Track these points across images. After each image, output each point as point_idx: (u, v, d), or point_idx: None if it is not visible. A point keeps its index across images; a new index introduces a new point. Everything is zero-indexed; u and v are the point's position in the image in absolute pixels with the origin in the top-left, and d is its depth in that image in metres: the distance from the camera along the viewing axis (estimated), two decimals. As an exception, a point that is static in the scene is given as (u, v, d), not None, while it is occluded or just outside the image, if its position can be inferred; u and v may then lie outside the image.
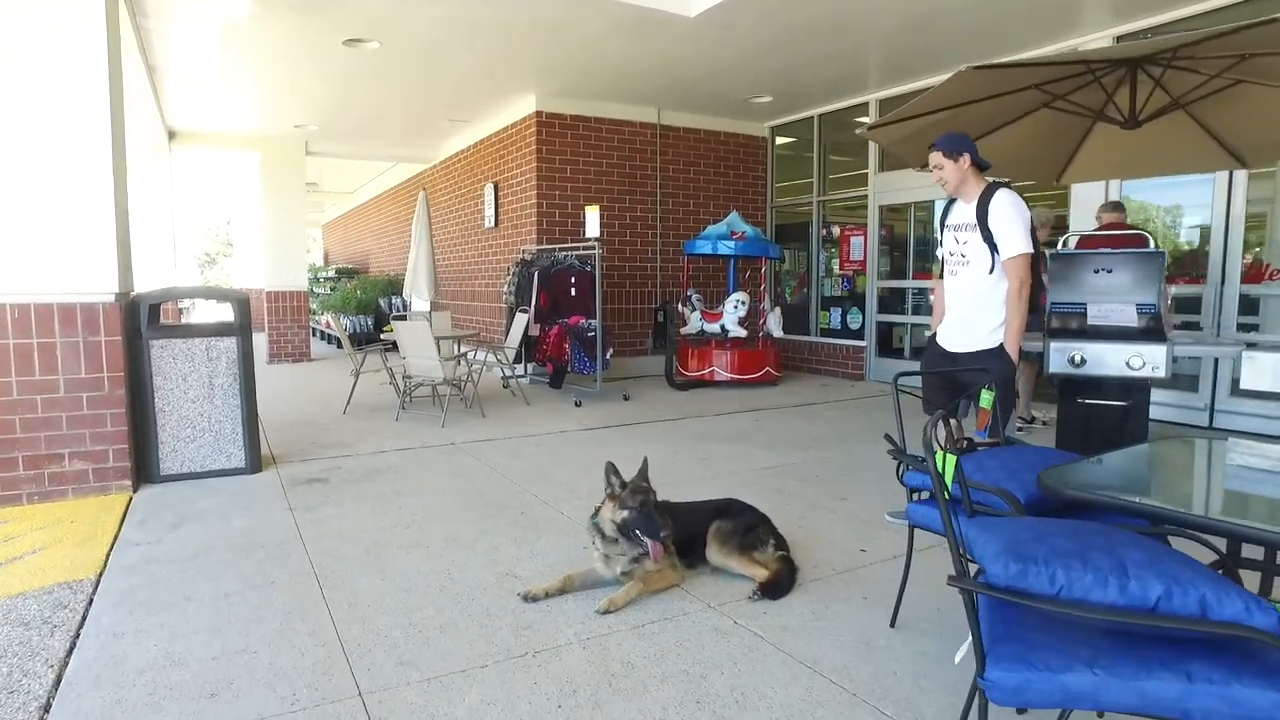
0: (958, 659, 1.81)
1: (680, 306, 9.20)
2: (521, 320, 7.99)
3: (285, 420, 7.01)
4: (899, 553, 3.62)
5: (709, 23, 6.65)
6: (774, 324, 9.08)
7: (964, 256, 3.68)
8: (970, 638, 1.71)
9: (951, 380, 3.73)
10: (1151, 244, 4.68)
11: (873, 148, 9.43)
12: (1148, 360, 3.81)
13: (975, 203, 3.60)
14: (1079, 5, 6.50)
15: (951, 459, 2.08)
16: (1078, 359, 3.93)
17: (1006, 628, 1.65)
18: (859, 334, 9.79)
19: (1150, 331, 4.03)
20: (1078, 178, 5.64)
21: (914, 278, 9.46)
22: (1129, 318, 4.10)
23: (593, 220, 7.59)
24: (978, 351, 3.64)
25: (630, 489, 3.03)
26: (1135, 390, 3.96)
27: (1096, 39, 6.98)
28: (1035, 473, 2.42)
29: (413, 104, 9.62)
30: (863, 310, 9.75)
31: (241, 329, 4.99)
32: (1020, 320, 3.54)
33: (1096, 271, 4.39)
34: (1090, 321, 4.12)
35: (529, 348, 8.35)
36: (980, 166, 3.71)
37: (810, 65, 8.07)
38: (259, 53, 7.54)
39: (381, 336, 7.68)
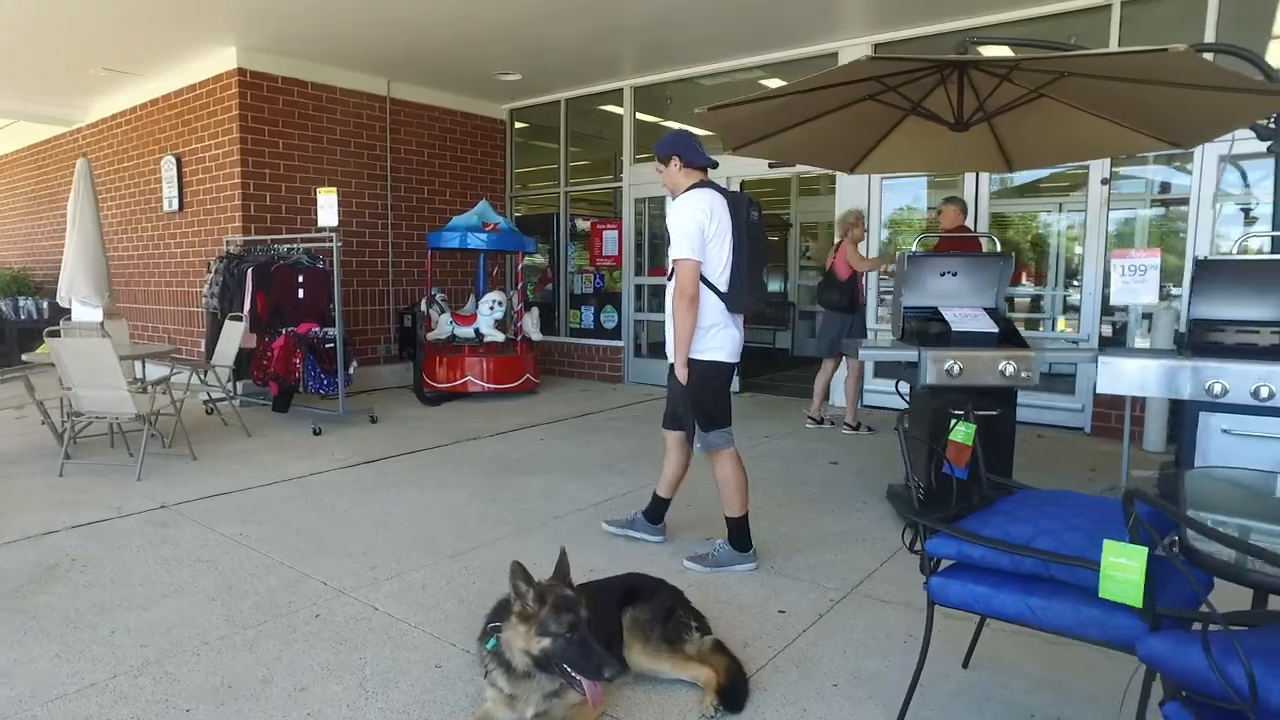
0: None
1: (426, 308, 8.00)
2: (236, 330, 6.27)
3: None
4: (820, 609, 3.14)
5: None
6: (531, 326, 8.27)
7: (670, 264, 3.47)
8: None
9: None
10: (997, 246, 4.73)
11: (628, 137, 9.01)
12: (1020, 367, 3.73)
13: None
14: (837, 11, 6.62)
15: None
16: (955, 369, 3.74)
17: None
18: (615, 334, 9.37)
19: (1010, 337, 3.99)
20: (870, 169, 5.64)
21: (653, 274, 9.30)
22: (987, 323, 4.04)
23: (328, 206, 6.15)
24: (670, 363, 3.46)
25: (553, 605, 2.10)
26: (1003, 397, 3.89)
27: (855, 44, 7.19)
28: (1108, 527, 1.99)
29: (44, 40, 7.14)
30: (618, 309, 9.34)
31: None
32: (682, 332, 3.32)
33: (943, 274, 4.30)
34: (955, 329, 3.99)
35: (242, 364, 6.63)
36: (696, 166, 3.45)
37: (565, 43, 7.38)
38: None
39: (25, 358, 5.51)
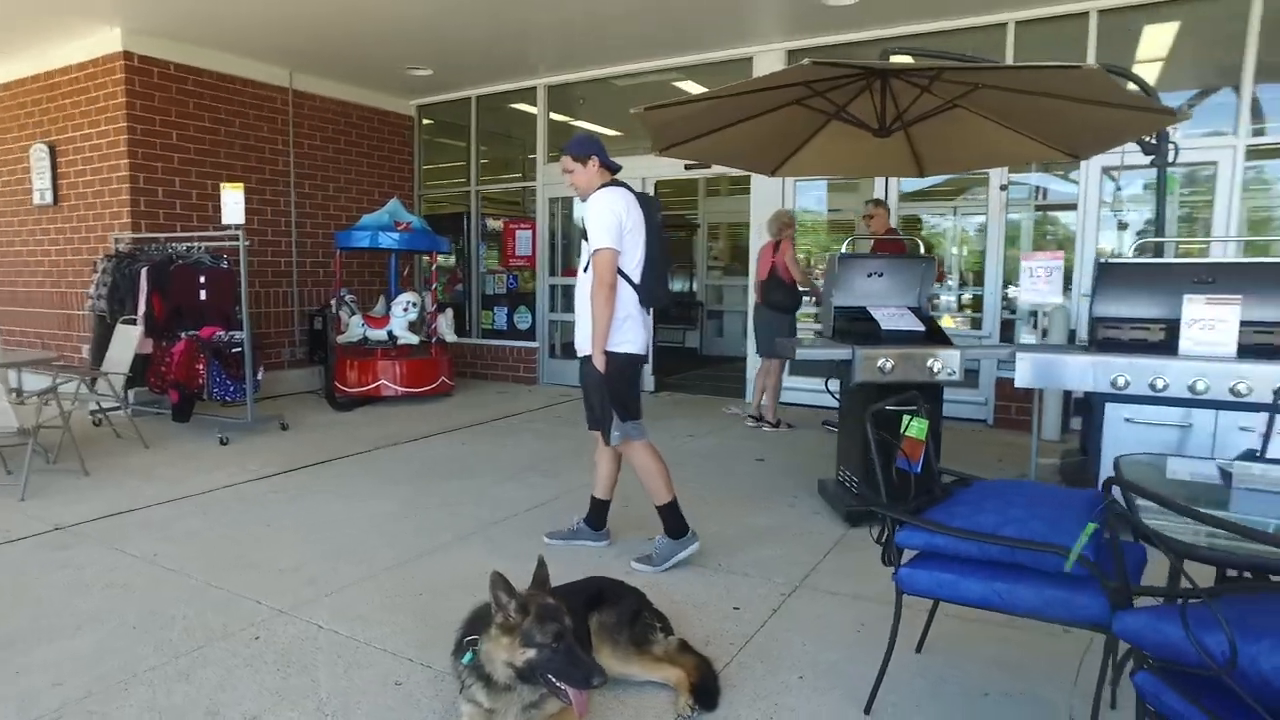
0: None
1: (336, 310, 7.67)
2: (130, 334, 5.82)
3: None
4: (773, 604, 3.20)
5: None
6: (445, 327, 8.08)
7: (584, 257, 3.54)
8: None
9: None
10: (921, 249, 4.93)
11: (541, 136, 8.92)
12: (947, 364, 3.92)
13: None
14: (751, 18, 6.77)
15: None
16: (888, 367, 3.89)
17: None
18: (529, 334, 9.27)
19: (935, 335, 4.18)
20: (791, 172, 5.78)
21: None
22: (913, 322, 4.22)
23: (234, 203, 5.78)
24: (582, 356, 3.54)
25: (537, 615, 2.05)
26: (930, 393, 4.06)
27: (769, 50, 7.37)
28: (1067, 512, 2.12)
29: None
30: (532, 309, 9.24)
31: None
32: (601, 322, 3.38)
33: (870, 275, 4.47)
34: (884, 327, 4.15)
35: (137, 370, 6.16)
36: (610, 169, 3.56)
37: (479, 39, 7.23)
38: None
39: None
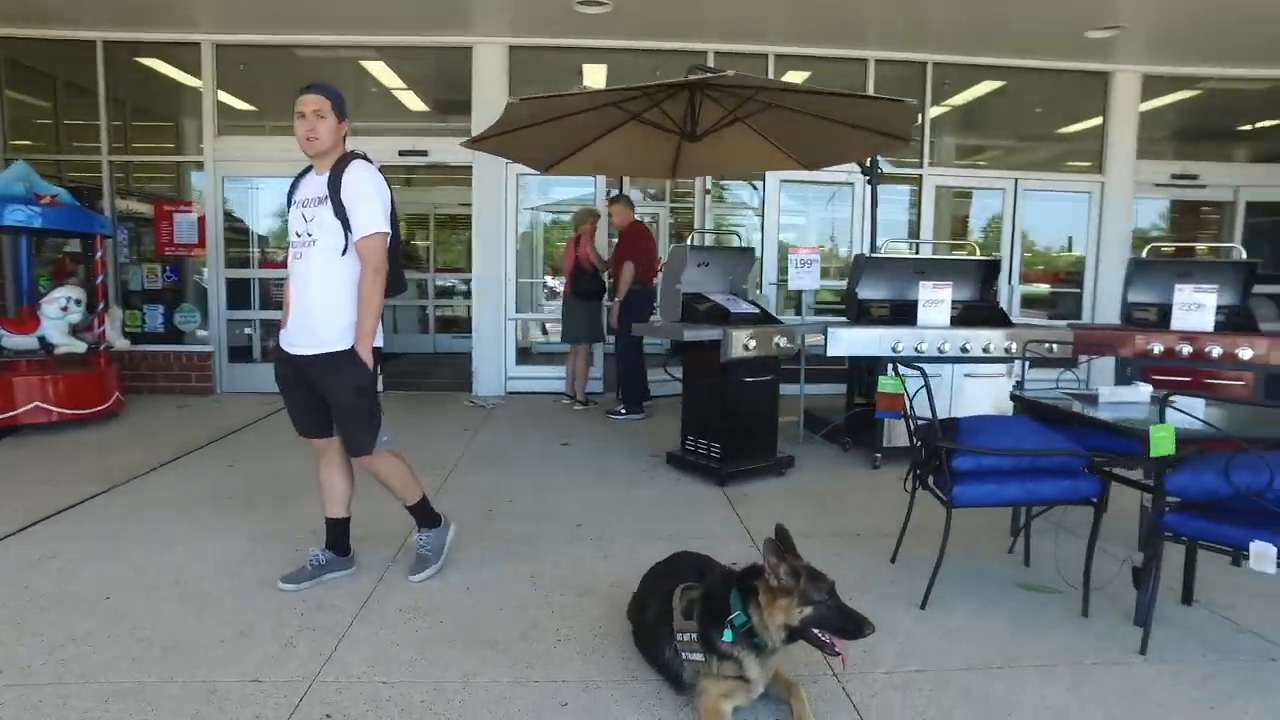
0: None
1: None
2: None
3: None
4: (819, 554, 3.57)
5: None
6: (114, 331, 6.46)
7: (311, 236, 3.00)
8: None
9: (309, 392, 3.09)
10: (742, 242, 5.52)
11: (209, 103, 7.53)
12: (789, 340, 4.70)
13: (329, 173, 2.99)
14: (482, 8, 6.80)
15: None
16: (750, 344, 4.51)
17: None
18: (193, 336, 7.82)
19: (767, 316, 4.92)
20: (564, 171, 5.94)
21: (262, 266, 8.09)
22: (747, 306, 4.89)
23: None
24: (326, 354, 2.98)
25: (808, 575, 2.16)
26: (772, 367, 4.77)
27: (494, 42, 7.40)
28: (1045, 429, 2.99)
29: None
30: (202, 307, 7.80)
31: None
32: (373, 313, 2.98)
33: (699, 265, 5.02)
34: (732, 311, 4.74)
35: None
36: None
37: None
38: None
39: None
